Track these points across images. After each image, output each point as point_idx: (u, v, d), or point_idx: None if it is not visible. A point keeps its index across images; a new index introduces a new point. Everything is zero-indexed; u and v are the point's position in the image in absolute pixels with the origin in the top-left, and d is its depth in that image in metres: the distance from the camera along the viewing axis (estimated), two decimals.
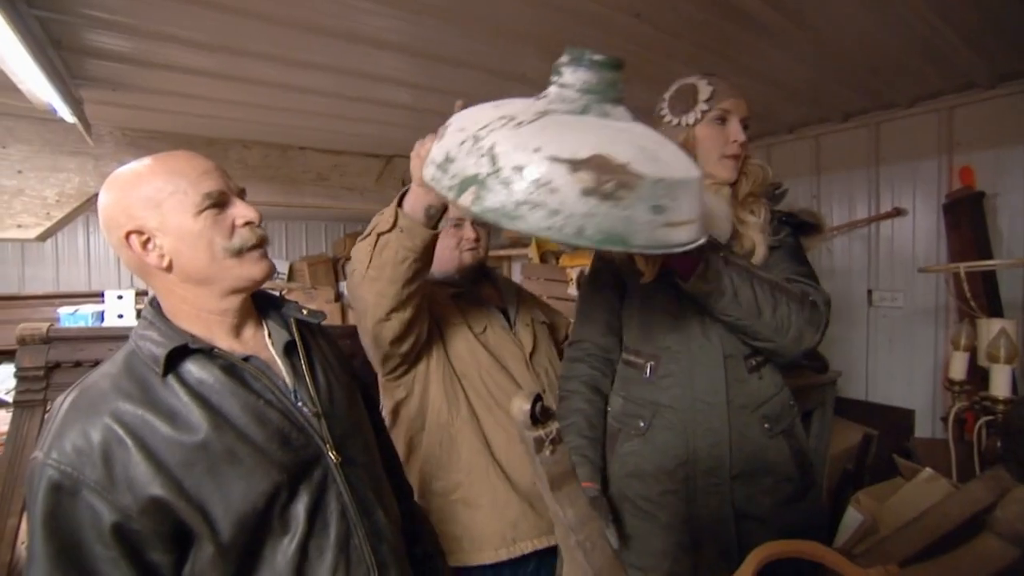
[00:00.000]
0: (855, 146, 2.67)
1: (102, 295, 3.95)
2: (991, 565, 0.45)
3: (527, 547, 1.25)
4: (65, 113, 1.85)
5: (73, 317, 3.68)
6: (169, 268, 0.74)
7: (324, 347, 0.93)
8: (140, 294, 4.28)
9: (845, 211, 2.74)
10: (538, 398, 0.49)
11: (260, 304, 0.87)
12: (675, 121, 1.11)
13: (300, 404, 0.80)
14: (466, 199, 0.64)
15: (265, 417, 0.75)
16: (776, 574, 0.70)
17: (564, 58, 0.79)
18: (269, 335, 0.84)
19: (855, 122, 2.64)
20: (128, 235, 0.73)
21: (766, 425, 1.07)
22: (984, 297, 2.08)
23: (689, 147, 1.06)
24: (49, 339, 1.82)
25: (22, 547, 1.68)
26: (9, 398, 2.05)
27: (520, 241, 3.29)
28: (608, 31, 1.72)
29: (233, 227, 0.76)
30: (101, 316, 3.75)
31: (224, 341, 0.79)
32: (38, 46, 1.50)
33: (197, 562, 0.70)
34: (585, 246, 0.62)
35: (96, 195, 2.57)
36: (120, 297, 3.90)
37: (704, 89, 1.09)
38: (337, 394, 0.87)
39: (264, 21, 1.60)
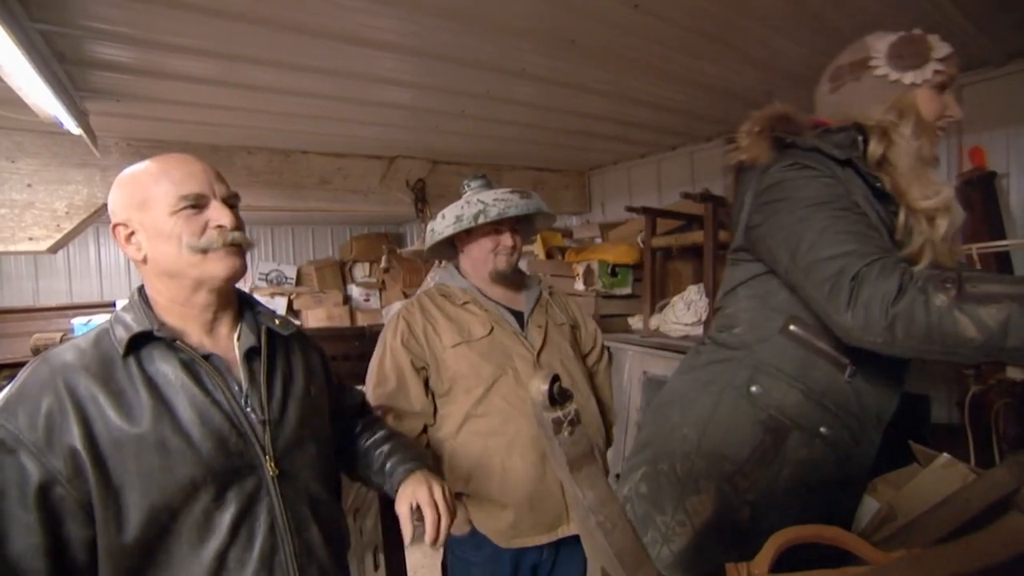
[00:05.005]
0: None
1: (115, 304, 4.03)
2: (1020, 544, 0.44)
3: (528, 542, 1.31)
4: (71, 126, 1.87)
5: (87, 327, 3.74)
6: (145, 261, 0.80)
7: (294, 358, 0.93)
8: None
9: None
10: (556, 379, 0.48)
11: (242, 306, 0.90)
12: (892, 76, 0.91)
13: (249, 409, 0.81)
14: None
15: (208, 416, 0.77)
16: (799, 559, 0.70)
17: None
18: (239, 337, 0.86)
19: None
20: (115, 227, 0.81)
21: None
22: None
23: (908, 111, 0.90)
24: None
25: None
26: None
27: (527, 239, 3.29)
28: (607, 23, 1.71)
29: (205, 228, 0.80)
30: None
31: (195, 335, 0.83)
32: (42, 60, 1.51)
33: (102, 548, 0.71)
34: None
35: (104, 206, 2.60)
36: None
37: (939, 46, 0.90)
38: (291, 406, 0.87)
39: (263, 26, 1.61)
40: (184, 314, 0.82)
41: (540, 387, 0.48)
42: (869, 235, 0.82)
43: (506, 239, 1.40)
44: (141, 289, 0.85)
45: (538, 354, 1.38)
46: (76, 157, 2.47)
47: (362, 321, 5.08)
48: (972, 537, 0.48)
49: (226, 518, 0.76)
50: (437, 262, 3.20)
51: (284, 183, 3.09)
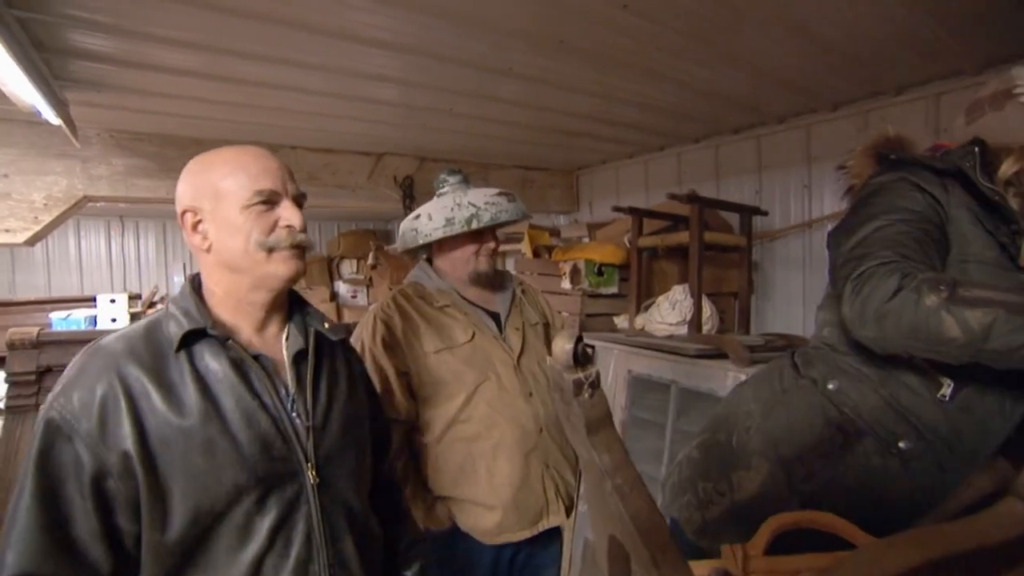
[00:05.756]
0: (847, 135, 2.67)
1: (94, 299, 3.94)
2: (1014, 527, 0.45)
3: (512, 538, 1.32)
4: (50, 115, 1.83)
5: (66, 322, 3.67)
6: (209, 250, 0.80)
7: (339, 364, 0.92)
8: (133, 297, 4.26)
9: (837, 200, 2.74)
10: (580, 339, 0.48)
11: (292, 306, 0.89)
12: None
13: (295, 415, 0.80)
14: None
15: (255, 418, 0.76)
16: (793, 545, 0.70)
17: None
18: (287, 338, 0.85)
19: (845, 111, 2.65)
20: (184, 213, 0.80)
21: None
22: None
23: None
24: (39, 343, 1.81)
25: None
26: (1, 404, 2.03)
27: (514, 237, 3.29)
28: (597, 23, 1.71)
29: (274, 226, 0.79)
30: (94, 320, 3.73)
31: (246, 332, 0.82)
32: (20, 48, 1.48)
33: (146, 545, 0.71)
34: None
35: (84, 198, 2.55)
36: (113, 301, 3.89)
37: None
38: (334, 413, 0.86)
39: (250, 19, 1.58)
40: (238, 309, 0.82)
41: (565, 347, 0.47)
42: (914, 247, 0.83)
43: (490, 243, 1.39)
44: (195, 278, 0.84)
45: (518, 358, 1.38)
46: (55, 147, 2.42)
47: (349, 318, 5.05)
48: (967, 519, 0.49)
49: (265, 524, 0.75)
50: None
51: None
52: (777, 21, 1.76)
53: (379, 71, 2.05)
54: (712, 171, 3.18)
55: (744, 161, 3.02)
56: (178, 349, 0.75)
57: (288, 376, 0.82)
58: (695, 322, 2.07)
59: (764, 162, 2.95)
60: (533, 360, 1.41)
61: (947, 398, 0.85)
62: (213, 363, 0.76)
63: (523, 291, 1.55)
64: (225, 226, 0.78)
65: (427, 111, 2.55)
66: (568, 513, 1.38)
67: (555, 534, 1.40)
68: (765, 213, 2.58)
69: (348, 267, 5.79)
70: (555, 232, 3.55)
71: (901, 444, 0.87)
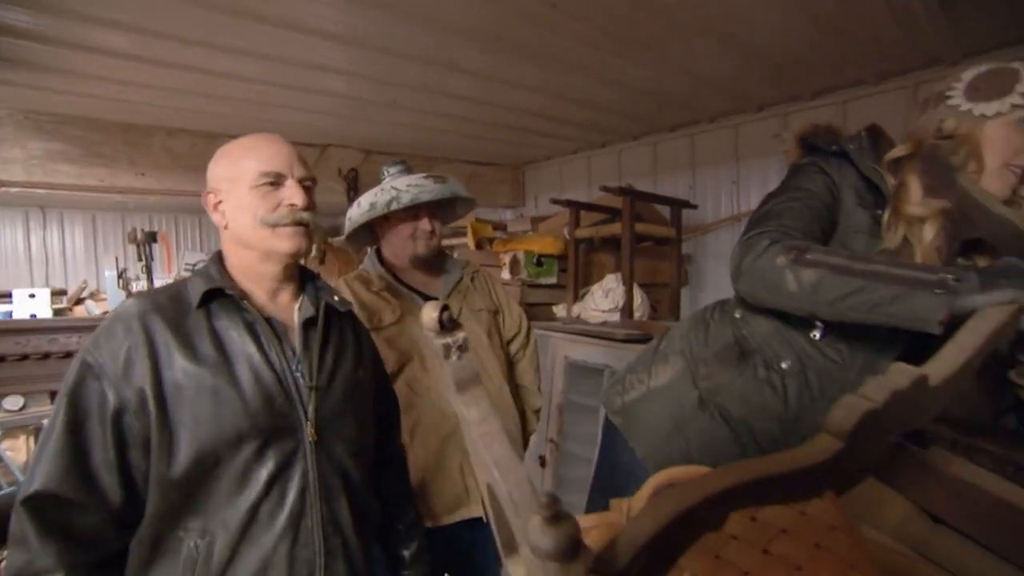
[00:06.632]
0: (770, 134, 2.85)
1: (10, 295, 3.70)
2: (820, 455, 0.53)
3: (446, 520, 1.33)
4: None
5: None
6: (226, 227, 0.89)
7: (348, 335, 1.00)
8: (57, 293, 4.02)
9: (763, 195, 2.90)
10: (445, 308, 0.54)
11: (305, 281, 0.97)
12: (965, 106, 0.90)
13: (298, 374, 0.87)
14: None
15: (261, 374, 0.83)
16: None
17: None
18: (299, 307, 0.92)
19: (768, 112, 2.83)
20: (207, 194, 0.90)
21: None
22: None
23: (968, 143, 0.90)
24: None
25: None
26: None
27: (459, 231, 3.34)
28: (527, 20, 1.77)
29: (279, 205, 0.87)
30: (9, 316, 3.51)
31: (260, 299, 0.90)
32: None
33: (153, 478, 0.78)
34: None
35: None
36: (32, 296, 3.67)
37: None
38: (338, 378, 0.92)
39: (189, 3, 1.56)
40: (252, 280, 0.90)
41: (432, 315, 0.54)
42: (796, 219, 0.96)
43: (424, 224, 1.40)
44: (218, 253, 0.93)
45: None
46: None
47: None
48: (784, 452, 0.58)
49: (263, 473, 0.81)
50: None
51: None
52: (706, 29, 1.89)
53: (322, 61, 2.05)
54: (650, 168, 3.34)
55: (679, 158, 3.19)
56: (199, 306, 0.84)
57: (296, 339, 0.89)
58: (627, 309, 2.18)
59: (697, 159, 3.12)
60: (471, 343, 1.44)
61: (817, 337, 1.00)
62: (228, 320, 0.85)
63: (473, 278, 1.55)
64: (237, 205, 0.87)
65: (372, 103, 2.56)
66: None
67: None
68: (694, 206, 2.73)
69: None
70: (501, 226, 3.62)
71: (783, 364, 1.02)
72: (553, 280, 2.58)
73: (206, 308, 0.85)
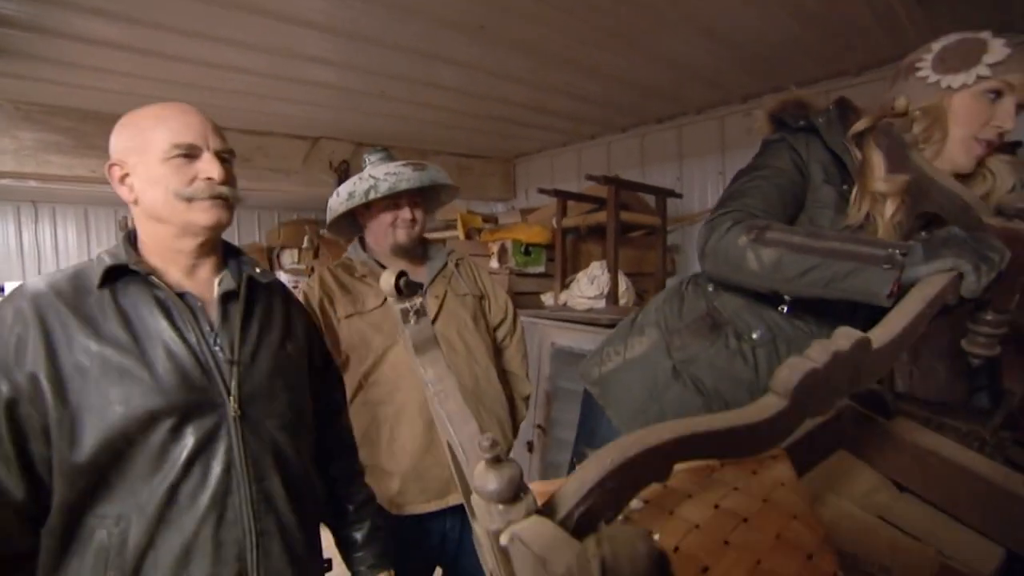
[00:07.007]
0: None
1: (2, 289, 3.71)
2: (764, 412, 0.57)
3: (416, 509, 1.33)
4: None
5: None
6: (136, 202, 0.85)
7: (276, 310, 0.96)
8: None
9: None
10: (402, 273, 0.57)
11: (227, 256, 0.95)
12: (933, 78, 0.91)
13: (217, 348, 0.84)
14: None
15: (174, 350, 0.80)
16: None
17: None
18: (220, 281, 0.89)
19: (753, 104, 2.86)
20: (111, 166, 0.85)
21: None
22: None
23: (934, 115, 0.91)
24: None
25: None
26: None
27: (452, 225, 3.37)
28: (511, 10, 1.79)
29: (194, 179, 0.83)
30: None
31: (175, 275, 0.87)
32: None
33: (56, 466, 0.74)
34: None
35: None
36: None
37: (997, 50, 0.87)
38: (263, 353, 0.89)
39: None
40: (168, 256, 0.86)
41: (389, 280, 0.57)
42: (761, 198, 0.98)
43: (404, 213, 1.40)
44: (131, 232, 0.88)
45: (432, 324, 1.39)
46: None
47: None
48: (731, 411, 0.62)
49: (182, 452, 0.78)
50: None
51: None
52: (688, 21, 1.91)
53: (313, 52, 2.06)
54: (638, 159, 3.37)
55: (667, 149, 3.23)
56: (100, 285, 0.79)
57: (215, 313, 0.86)
58: (612, 295, 2.22)
59: (684, 151, 3.16)
60: (451, 328, 1.42)
61: (785, 310, 1.04)
62: (136, 298, 0.81)
63: (458, 265, 1.56)
64: (147, 178, 0.82)
65: (362, 95, 2.57)
66: None
67: None
68: (679, 195, 2.77)
69: (289, 257, 5.67)
70: (492, 219, 3.65)
71: (754, 335, 1.06)
72: (541, 269, 2.62)
73: (111, 287, 0.80)
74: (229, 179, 0.86)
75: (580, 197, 2.64)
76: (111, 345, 0.76)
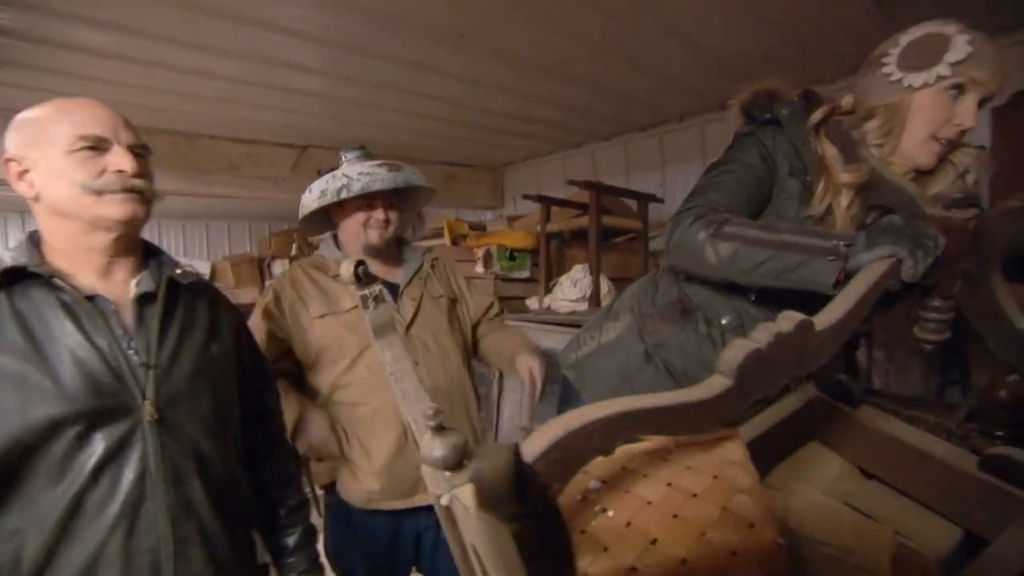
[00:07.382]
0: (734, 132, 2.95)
1: None
2: (711, 391, 0.60)
3: (383, 506, 1.33)
4: None
5: None
6: (37, 199, 0.80)
7: (200, 310, 0.92)
8: None
9: None
10: (360, 263, 0.61)
11: (148, 256, 0.91)
12: (896, 76, 0.90)
13: (131, 351, 0.80)
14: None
15: (81, 356, 0.75)
16: None
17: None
18: (138, 283, 0.85)
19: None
20: (8, 161, 0.80)
21: None
22: None
23: (894, 112, 0.91)
24: None
25: None
26: None
27: (440, 233, 3.40)
28: (490, 18, 1.83)
29: (104, 172, 0.80)
30: None
31: (87, 277, 0.82)
32: None
33: None
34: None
35: None
36: None
37: (959, 47, 0.85)
38: (184, 355, 0.85)
39: (169, 3, 1.60)
40: (78, 256, 0.81)
41: (349, 268, 0.61)
42: (724, 192, 1.00)
43: (378, 213, 1.37)
44: (34, 233, 0.84)
45: (408, 326, 1.37)
46: None
47: None
48: (684, 389, 0.64)
49: (89, 460, 0.74)
50: None
51: (189, 167, 3.01)
52: (670, 34, 1.97)
53: (299, 61, 2.10)
54: (623, 166, 3.43)
55: (650, 157, 3.29)
56: None
57: (129, 316, 0.82)
58: (594, 298, 2.26)
59: (667, 158, 3.22)
60: (427, 330, 1.40)
61: (753, 298, 1.07)
62: (38, 304, 0.76)
63: (433, 265, 1.54)
64: (49, 172, 0.78)
65: (349, 104, 2.61)
66: None
67: None
68: (660, 200, 2.82)
69: (280, 267, 5.68)
70: (480, 227, 3.69)
71: (723, 320, 1.08)
72: (526, 274, 2.65)
73: (8, 290, 0.75)
74: (144, 173, 0.83)
75: (564, 203, 2.69)
76: (6, 352, 0.72)
